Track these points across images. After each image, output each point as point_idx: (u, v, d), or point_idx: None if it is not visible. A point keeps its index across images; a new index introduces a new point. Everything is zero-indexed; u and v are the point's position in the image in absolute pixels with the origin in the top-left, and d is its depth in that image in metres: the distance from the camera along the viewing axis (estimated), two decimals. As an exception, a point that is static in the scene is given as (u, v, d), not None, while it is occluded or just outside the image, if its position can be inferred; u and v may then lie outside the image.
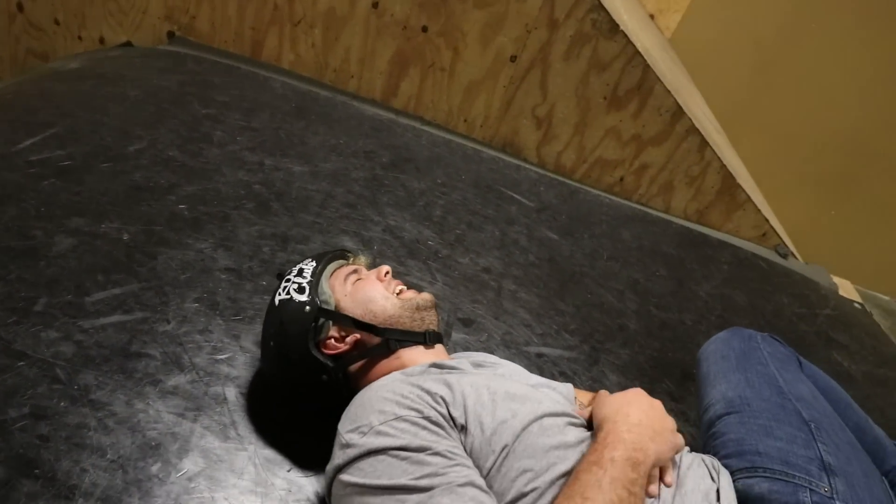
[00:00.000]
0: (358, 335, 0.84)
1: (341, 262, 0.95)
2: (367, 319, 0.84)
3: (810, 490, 0.70)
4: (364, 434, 0.66)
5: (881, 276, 2.61)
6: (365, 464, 0.64)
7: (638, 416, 0.72)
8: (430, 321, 0.89)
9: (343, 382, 0.83)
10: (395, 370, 0.83)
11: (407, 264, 1.34)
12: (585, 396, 0.98)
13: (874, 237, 3.21)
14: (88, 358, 0.90)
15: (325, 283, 0.87)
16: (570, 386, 0.88)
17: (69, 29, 2.03)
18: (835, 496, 0.69)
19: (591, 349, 1.30)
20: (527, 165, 1.99)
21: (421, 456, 0.63)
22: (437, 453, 0.64)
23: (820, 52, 2.75)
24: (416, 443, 0.64)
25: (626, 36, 1.78)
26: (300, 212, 1.37)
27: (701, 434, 0.92)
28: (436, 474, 0.62)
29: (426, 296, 0.91)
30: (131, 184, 1.27)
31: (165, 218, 1.21)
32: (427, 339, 0.87)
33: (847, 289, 2.03)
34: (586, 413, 0.78)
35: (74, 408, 0.84)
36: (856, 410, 1.00)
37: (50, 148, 1.30)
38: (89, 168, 1.28)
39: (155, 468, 0.81)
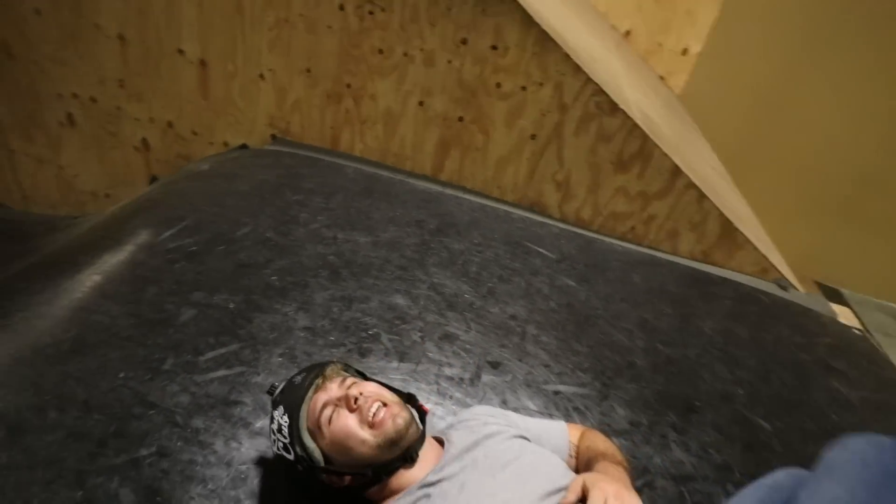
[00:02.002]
0: (350, 477, 0.80)
1: (310, 387, 0.84)
2: (350, 467, 0.79)
3: None
4: None
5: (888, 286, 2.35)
6: None
7: None
8: (407, 442, 0.81)
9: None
10: (387, 497, 0.80)
11: (447, 315, 1.37)
12: (576, 433, 0.95)
13: (882, 249, 2.93)
14: (199, 406, 0.99)
15: (306, 438, 0.80)
16: (557, 458, 0.83)
17: (203, 137, 2.24)
18: None
19: (601, 385, 1.27)
20: (550, 222, 1.98)
21: None
22: None
23: (818, 90, 2.57)
24: None
25: (625, 113, 1.76)
26: (363, 276, 1.43)
27: (752, 485, 0.73)
28: None
29: (398, 424, 0.79)
30: (238, 262, 1.38)
31: (261, 288, 1.30)
32: (409, 461, 0.81)
33: (847, 316, 1.87)
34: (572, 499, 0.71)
35: (187, 447, 0.92)
36: None
37: (182, 237, 1.44)
38: (209, 251, 1.41)
39: (243, 495, 0.87)
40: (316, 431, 0.80)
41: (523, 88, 1.82)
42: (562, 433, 0.95)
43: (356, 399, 0.79)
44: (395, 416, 0.79)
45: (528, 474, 0.77)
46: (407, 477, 0.81)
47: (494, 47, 1.78)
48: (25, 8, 2.12)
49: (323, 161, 2.01)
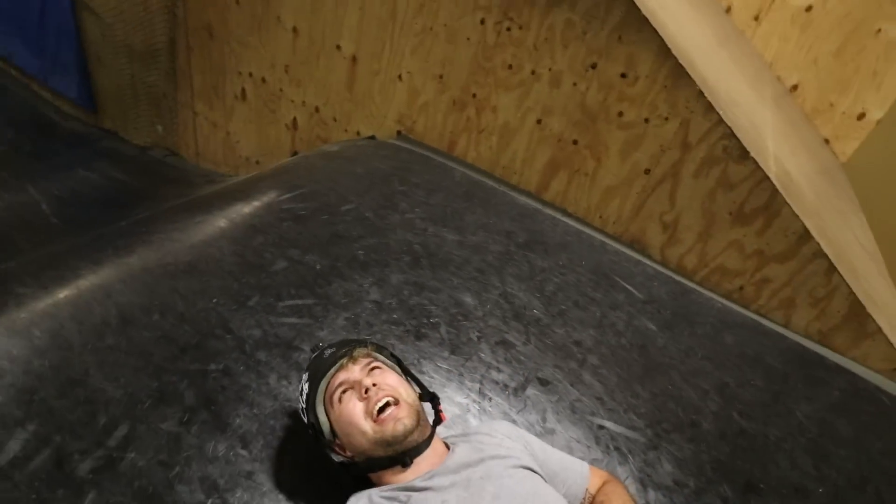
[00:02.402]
0: (350, 455, 0.83)
1: (334, 367, 0.86)
2: (350, 448, 0.82)
3: None
4: None
5: None
6: None
7: None
8: (404, 447, 0.80)
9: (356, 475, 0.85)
10: (378, 485, 0.81)
11: (509, 324, 1.36)
12: (597, 480, 0.88)
13: None
14: (267, 342, 1.10)
15: (319, 412, 0.83)
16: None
17: (340, 124, 2.48)
18: None
19: (654, 434, 1.17)
20: (647, 262, 1.86)
21: None
22: None
23: None
24: None
25: (755, 162, 1.60)
26: (440, 269, 1.48)
27: None
28: None
29: (397, 428, 0.79)
30: (334, 231, 1.51)
31: (347, 258, 1.41)
32: (403, 462, 0.80)
33: None
34: None
35: (247, 373, 1.03)
36: None
37: (295, 201, 1.62)
38: (313, 217, 1.56)
39: (279, 426, 0.95)
40: (329, 407, 0.84)
41: (646, 120, 1.75)
42: (581, 477, 0.88)
43: (367, 389, 0.81)
44: (399, 420, 0.79)
45: (497, 493, 0.73)
46: (398, 474, 0.81)
47: (624, 75, 1.73)
48: (226, 0, 2.54)
49: (435, 161, 2.11)
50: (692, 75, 1.63)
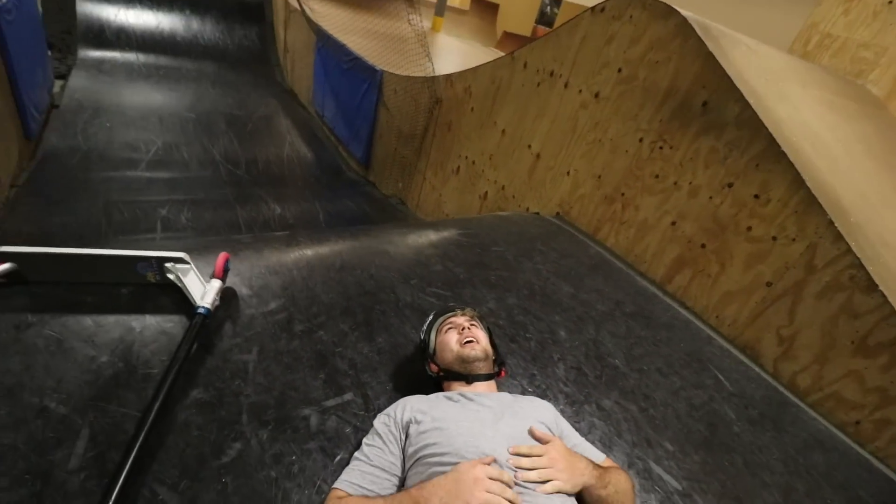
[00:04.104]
0: (436, 367, 1.10)
1: (450, 313, 1.18)
2: (440, 361, 1.09)
3: None
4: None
5: None
6: None
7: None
8: (473, 368, 1.04)
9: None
10: (444, 390, 1.06)
11: (591, 361, 1.48)
12: (608, 464, 0.96)
13: None
14: (412, 305, 1.47)
15: (432, 335, 1.14)
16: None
17: (517, 201, 2.91)
18: None
19: (688, 487, 1.17)
20: (754, 366, 1.75)
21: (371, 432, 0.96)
22: (377, 434, 0.94)
23: None
24: (376, 425, 0.96)
25: (884, 296, 1.46)
26: (548, 305, 1.69)
27: None
28: (367, 444, 0.92)
29: (471, 353, 1.05)
30: (480, 260, 1.85)
31: (480, 278, 1.72)
32: (467, 379, 1.04)
33: None
34: None
35: (394, 317, 1.41)
36: None
37: (463, 236, 2.03)
38: (471, 248, 1.93)
39: (401, 353, 1.30)
40: (438, 334, 1.14)
41: (774, 238, 1.73)
42: (595, 456, 0.98)
43: (464, 328, 1.11)
44: (474, 349, 1.06)
45: (512, 423, 0.90)
46: (462, 386, 1.05)
47: (757, 196, 1.77)
48: (466, 107, 3.27)
49: (578, 238, 2.34)
50: (824, 205, 1.60)
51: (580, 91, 2.39)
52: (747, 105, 1.76)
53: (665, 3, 1.98)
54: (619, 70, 2.19)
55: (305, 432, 1.03)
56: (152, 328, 1.14)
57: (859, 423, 1.54)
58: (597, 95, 2.31)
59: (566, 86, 2.47)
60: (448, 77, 3.46)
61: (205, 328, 1.15)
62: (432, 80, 3.60)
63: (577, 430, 1.21)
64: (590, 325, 1.65)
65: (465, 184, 3.36)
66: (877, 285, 1.48)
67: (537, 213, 2.69)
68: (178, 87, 5.32)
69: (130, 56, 5.60)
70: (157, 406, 0.92)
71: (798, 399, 1.65)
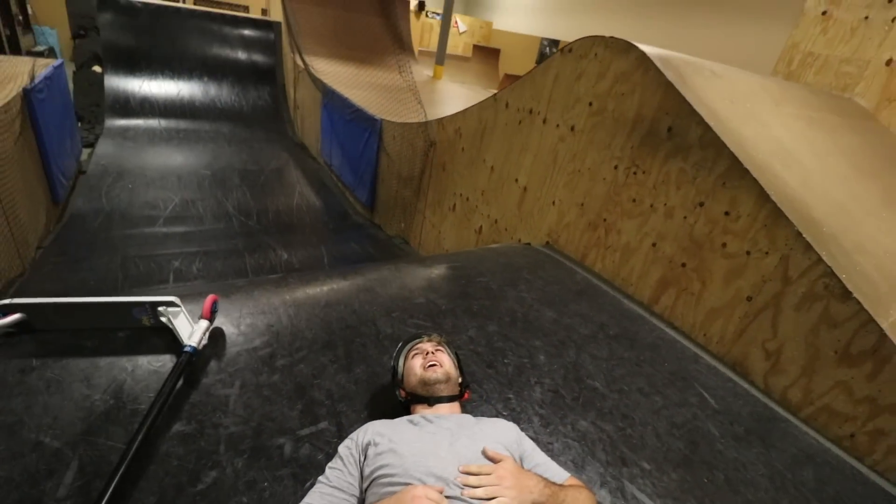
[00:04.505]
0: (404, 392, 1.16)
1: (417, 340, 1.25)
2: (406, 388, 1.15)
3: None
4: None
5: None
6: None
7: None
8: (435, 390, 1.10)
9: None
10: (408, 414, 1.11)
11: (569, 385, 1.50)
12: (572, 482, 0.98)
13: None
14: (391, 336, 1.54)
15: (401, 361, 1.21)
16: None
17: (509, 233, 2.98)
18: None
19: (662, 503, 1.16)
20: (744, 384, 1.73)
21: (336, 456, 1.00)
22: (340, 457, 0.98)
23: None
24: (340, 449, 1.00)
25: (860, 303, 1.46)
26: (529, 332, 1.72)
27: None
28: (329, 467, 0.97)
29: (432, 375, 1.11)
30: (463, 290, 1.91)
31: (463, 308, 1.78)
32: (429, 401, 1.09)
33: None
34: None
35: (373, 348, 1.48)
36: None
37: (449, 269, 2.11)
38: (454, 280, 2.00)
39: (378, 382, 1.36)
40: (406, 359, 1.21)
41: (748, 253, 1.76)
42: (557, 476, 0.98)
43: (428, 353, 1.18)
44: (435, 372, 1.13)
45: (468, 444, 0.94)
46: (424, 409, 1.10)
47: (727, 213, 1.81)
48: (458, 147, 3.43)
49: (565, 265, 2.38)
50: (790, 217, 1.63)
51: (557, 125, 2.52)
52: (708, 127, 1.84)
53: (624, 41, 2.11)
54: (590, 104, 2.31)
55: (279, 460, 1.08)
56: (143, 367, 1.24)
57: (854, 435, 1.50)
58: (572, 129, 2.43)
59: (545, 122, 2.60)
60: (440, 121, 3.65)
61: (191, 365, 1.23)
62: (426, 125, 3.80)
63: (549, 451, 1.24)
64: (570, 349, 1.68)
65: (462, 219, 3.47)
66: (851, 293, 1.48)
67: (528, 244, 2.76)
68: (196, 147, 5.70)
69: (153, 122, 6.07)
70: (139, 438, 1.00)
71: (790, 414, 1.62)
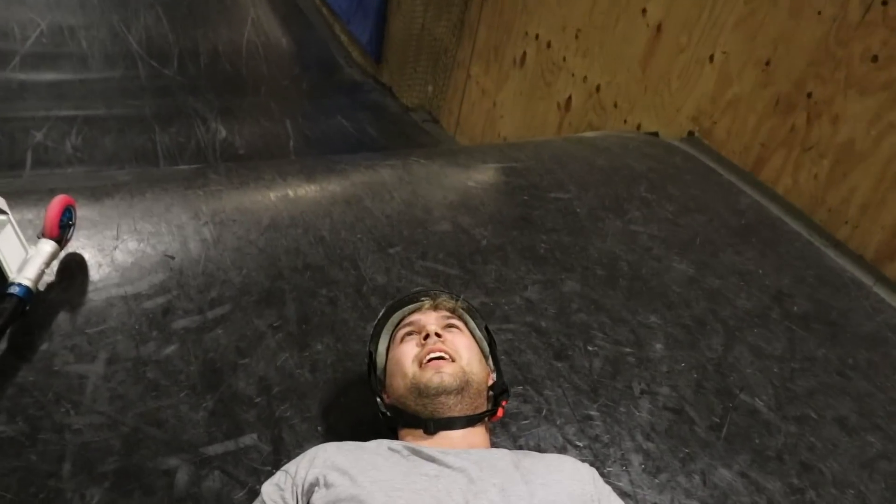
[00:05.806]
0: (388, 398, 1.09)
1: (414, 306, 1.16)
2: (389, 394, 1.08)
3: None
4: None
5: None
6: None
7: None
8: (438, 406, 0.99)
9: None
10: (393, 437, 1.04)
11: (706, 396, 1.40)
12: None
13: None
14: (385, 291, 1.48)
15: (382, 341, 1.14)
16: None
17: (621, 112, 2.80)
18: None
19: None
20: None
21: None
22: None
23: None
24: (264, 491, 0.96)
25: None
26: (639, 299, 1.62)
27: None
28: None
29: (434, 379, 0.99)
30: (524, 214, 1.84)
31: (521, 246, 1.72)
32: (427, 426, 0.99)
33: None
34: None
35: (351, 310, 1.41)
36: None
37: (501, 174, 2.00)
38: (510, 194, 1.93)
39: (353, 370, 1.30)
40: (392, 341, 1.13)
41: None
42: None
43: (428, 336, 1.06)
44: (440, 373, 1.00)
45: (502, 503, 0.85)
46: (419, 438, 1.01)
47: None
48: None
49: (723, 178, 2.23)
50: None
51: None
52: None
53: None
54: None
55: (165, 496, 1.05)
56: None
57: None
58: None
59: None
60: None
61: (19, 318, 1.20)
62: None
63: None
64: (715, 337, 1.57)
65: (535, 83, 3.29)
66: None
67: (654, 134, 2.59)
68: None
69: None
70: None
71: None
